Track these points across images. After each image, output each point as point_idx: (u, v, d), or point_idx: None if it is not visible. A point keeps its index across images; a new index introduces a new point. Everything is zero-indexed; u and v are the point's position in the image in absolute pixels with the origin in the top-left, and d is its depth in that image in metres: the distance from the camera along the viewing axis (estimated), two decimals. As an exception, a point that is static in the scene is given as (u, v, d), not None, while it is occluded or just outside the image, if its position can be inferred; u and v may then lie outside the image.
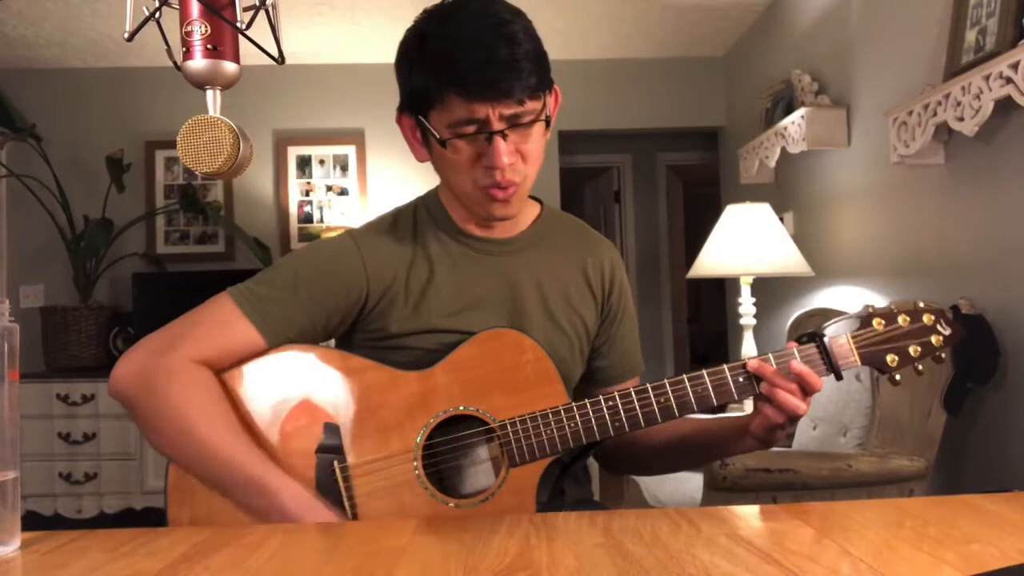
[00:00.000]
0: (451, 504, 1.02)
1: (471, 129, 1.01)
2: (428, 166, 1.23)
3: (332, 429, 1.02)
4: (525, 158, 1.05)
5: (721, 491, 1.81)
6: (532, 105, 1.02)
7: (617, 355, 1.25)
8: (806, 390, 1.01)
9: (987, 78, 1.80)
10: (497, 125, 1.00)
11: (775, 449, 2.28)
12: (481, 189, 1.05)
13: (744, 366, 1.03)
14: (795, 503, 0.93)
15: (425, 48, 1.02)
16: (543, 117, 1.04)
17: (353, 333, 1.14)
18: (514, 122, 1.01)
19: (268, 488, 0.97)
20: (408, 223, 1.16)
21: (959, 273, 2.12)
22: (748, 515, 0.89)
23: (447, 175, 1.09)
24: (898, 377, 1.05)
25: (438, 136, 1.03)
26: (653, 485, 2.29)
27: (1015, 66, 1.72)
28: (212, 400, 1.00)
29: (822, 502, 0.94)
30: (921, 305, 1.07)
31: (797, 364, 1.01)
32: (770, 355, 1.03)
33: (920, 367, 1.05)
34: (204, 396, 1.00)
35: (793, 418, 1.01)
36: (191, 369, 1.01)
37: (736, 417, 1.11)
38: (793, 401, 1.00)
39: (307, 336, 1.08)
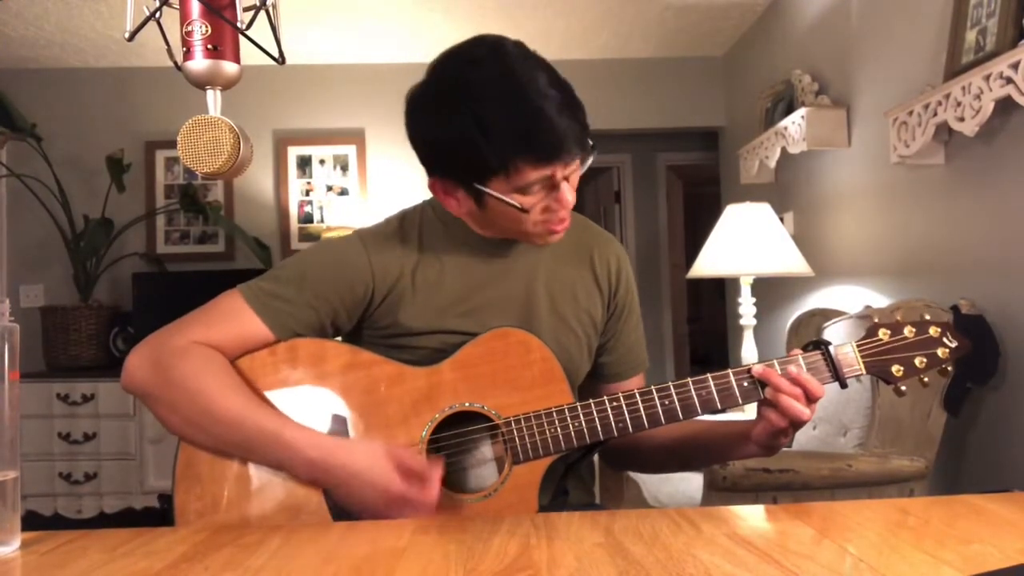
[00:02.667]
0: (454, 498, 1.02)
1: (540, 187, 1.02)
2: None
3: (339, 421, 1.03)
4: (573, 193, 1.06)
5: (721, 491, 1.81)
6: (581, 156, 1.04)
7: (622, 351, 1.26)
8: (809, 396, 1.01)
9: (987, 78, 1.80)
10: (561, 176, 1.03)
11: (775, 449, 2.28)
12: (542, 225, 1.06)
13: (749, 371, 1.03)
14: (795, 503, 0.93)
15: (474, 117, 0.98)
16: (591, 147, 1.05)
17: (361, 331, 1.15)
18: (573, 167, 1.04)
19: (284, 438, 0.97)
20: (415, 224, 1.17)
21: (959, 273, 2.12)
22: (748, 515, 0.89)
23: (504, 226, 1.08)
24: (903, 388, 1.05)
25: (509, 201, 1.01)
26: (653, 485, 2.29)
27: (1015, 66, 1.72)
28: (222, 371, 1.02)
29: (822, 502, 0.94)
30: (928, 317, 1.07)
31: (796, 370, 1.01)
32: (775, 361, 1.04)
33: (926, 379, 1.06)
34: (214, 367, 1.01)
35: (797, 424, 1.01)
36: (199, 348, 1.02)
37: (739, 422, 1.11)
38: (797, 407, 1.00)
39: (314, 332, 1.09)
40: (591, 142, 1.05)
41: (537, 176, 1.01)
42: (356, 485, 0.97)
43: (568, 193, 1.04)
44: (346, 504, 0.99)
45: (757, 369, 1.02)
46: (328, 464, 0.98)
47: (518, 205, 1.02)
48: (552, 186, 1.03)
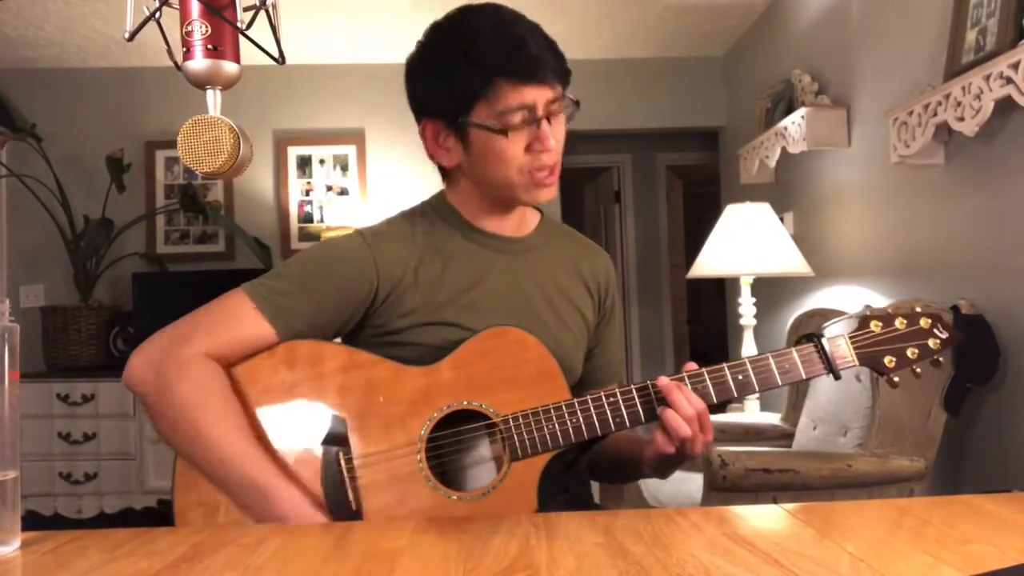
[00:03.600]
0: (453, 497, 1.02)
1: (521, 115, 1.07)
2: (428, 166, 1.24)
3: (338, 421, 1.03)
4: (558, 143, 1.11)
5: (721, 491, 1.81)
6: (561, 92, 1.10)
7: (604, 360, 1.29)
8: (699, 414, 1.01)
9: (987, 78, 1.80)
10: (542, 111, 1.07)
11: (775, 449, 2.28)
12: (529, 174, 1.10)
13: (744, 364, 1.04)
14: (795, 503, 0.93)
15: (461, 48, 1.08)
16: (573, 102, 1.11)
17: (359, 331, 1.15)
18: (554, 108, 1.09)
19: (266, 491, 0.98)
20: (417, 222, 1.18)
21: (959, 273, 2.12)
22: (748, 515, 0.89)
23: (490, 168, 1.11)
24: (896, 379, 1.06)
25: (491, 125, 1.06)
26: (653, 485, 2.29)
27: (1015, 66, 1.72)
28: (220, 398, 1.02)
29: (822, 502, 0.94)
30: (919, 309, 1.09)
31: (663, 380, 1.02)
32: (768, 354, 1.04)
33: (918, 370, 1.07)
34: (212, 394, 1.01)
35: (681, 441, 1.01)
36: (202, 364, 1.02)
37: (644, 441, 1.12)
38: (677, 420, 1.00)
39: (318, 330, 1.09)
40: (576, 102, 1.12)
41: (516, 99, 1.05)
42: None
43: (551, 135, 1.08)
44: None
45: (662, 381, 1.03)
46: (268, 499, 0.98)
47: (498, 127, 1.06)
48: (534, 120, 1.07)
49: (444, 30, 1.12)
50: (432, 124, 1.14)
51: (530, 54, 1.06)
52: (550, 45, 1.09)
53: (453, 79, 1.08)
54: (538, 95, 1.07)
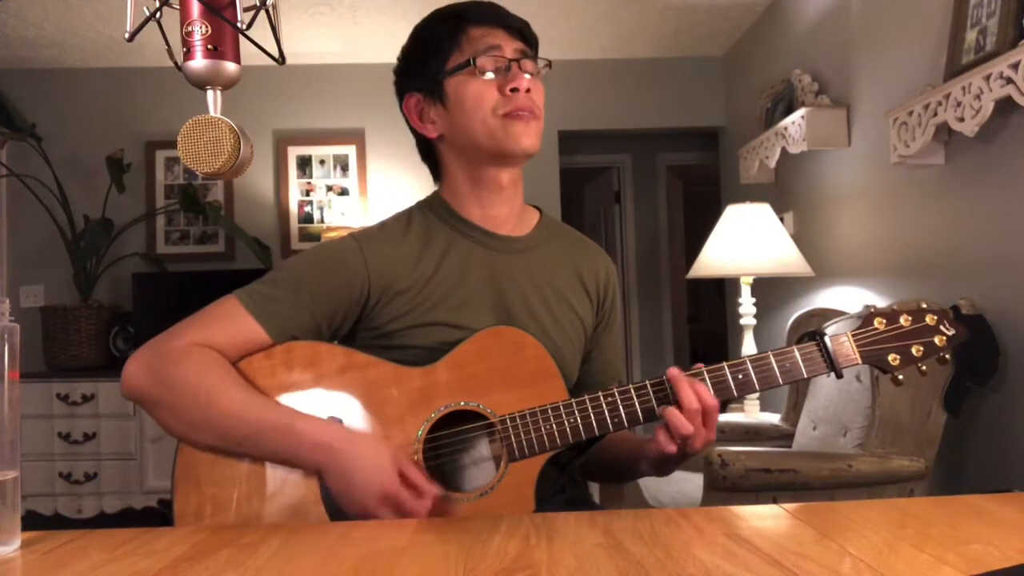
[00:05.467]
0: (451, 496, 1.02)
1: (491, 59, 1.11)
2: (427, 167, 1.24)
3: (336, 422, 1.03)
4: (536, 95, 1.13)
5: (721, 491, 1.81)
6: (530, 51, 1.16)
7: (603, 362, 1.28)
8: (706, 411, 1.00)
9: (987, 78, 1.80)
10: (511, 54, 1.12)
11: (775, 449, 2.28)
12: (504, 117, 1.11)
13: (733, 364, 1.03)
14: (795, 503, 0.93)
15: (434, 14, 1.17)
16: (547, 65, 1.16)
17: (356, 333, 1.15)
18: (527, 64, 1.13)
19: (294, 427, 0.98)
20: (410, 224, 1.18)
21: (959, 273, 2.12)
22: (748, 515, 0.89)
23: (467, 117, 1.12)
24: (901, 377, 1.04)
25: (464, 62, 1.11)
26: (653, 485, 2.29)
27: (1015, 66, 1.72)
28: (222, 368, 1.02)
29: (822, 502, 0.94)
30: (924, 306, 1.06)
31: (674, 370, 1.02)
32: (769, 353, 1.04)
33: (924, 367, 1.04)
34: (212, 367, 1.02)
35: (683, 439, 1.00)
36: (196, 349, 1.03)
37: (642, 439, 1.12)
38: (678, 419, 0.99)
39: (311, 334, 1.09)
40: (548, 63, 1.16)
41: (484, 40, 1.12)
42: (357, 475, 0.97)
43: (523, 77, 1.11)
44: (338, 493, 0.99)
45: (673, 371, 1.02)
46: (334, 449, 0.98)
47: (472, 62, 1.10)
48: (504, 63, 1.12)
49: (423, 19, 1.20)
50: (413, 97, 1.18)
51: (495, 6, 1.16)
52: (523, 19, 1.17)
53: (426, 39, 1.16)
54: (505, 40, 1.13)
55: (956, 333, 1.04)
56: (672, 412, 0.99)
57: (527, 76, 1.12)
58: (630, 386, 1.04)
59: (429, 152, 1.22)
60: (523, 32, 1.16)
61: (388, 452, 0.99)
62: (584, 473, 1.27)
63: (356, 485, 0.97)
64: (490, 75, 1.11)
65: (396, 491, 0.96)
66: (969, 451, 2.09)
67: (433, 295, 1.12)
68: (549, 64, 1.16)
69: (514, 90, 1.11)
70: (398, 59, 1.22)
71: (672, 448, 1.01)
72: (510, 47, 1.13)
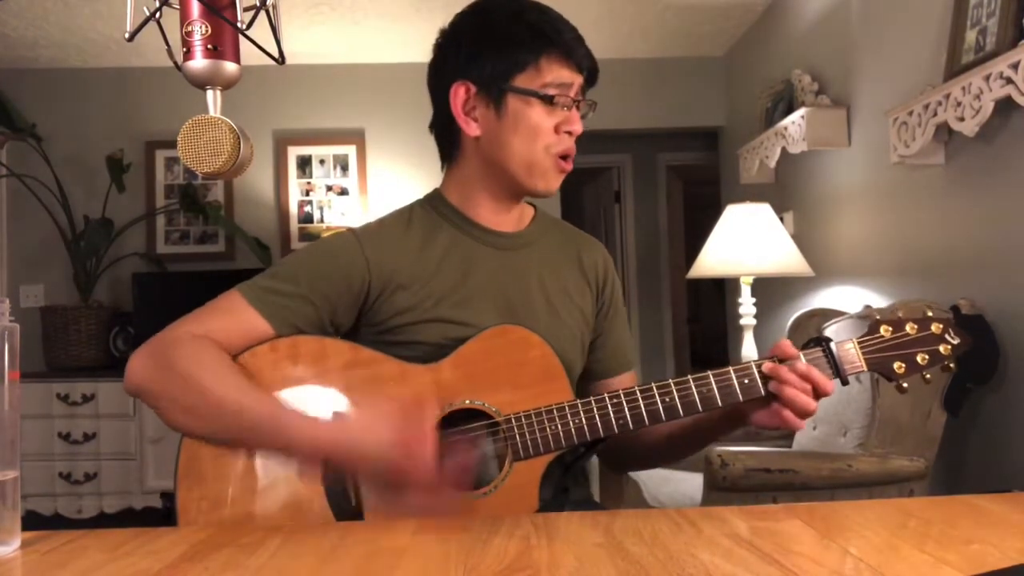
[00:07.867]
0: (454, 495, 1.02)
1: (560, 94, 1.10)
2: (428, 167, 1.24)
3: (340, 418, 1.03)
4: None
5: (721, 491, 1.81)
6: (585, 88, 1.16)
7: (610, 349, 1.27)
8: (818, 392, 1.01)
9: (987, 78, 1.80)
10: (575, 94, 1.13)
11: (775, 449, 2.28)
12: (552, 157, 1.13)
13: (750, 368, 1.03)
14: (795, 503, 0.93)
15: (520, 16, 1.11)
16: (591, 103, 1.17)
17: (360, 328, 1.15)
18: (580, 101, 1.14)
19: (282, 421, 0.98)
20: (410, 219, 1.18)
21: (959, 273, 2.12)
22: (748, 515, 0.89)
23: (517, 140, 1.12)
24: (905, 385, 1.04)
25: (536, 90, 1.09)
26: (653, 485, 2.29)
27: (1015, 66, 1.72)
28: (218, 359, 1.02)
29: (823, 502, 0.94)
30: (930, 314, 1.06)
31: (803, 365, 1.01)
32: (775, 359, 1.03)
33: (928, 376, 1.05)
34: (209, 356, 1.01)
35: (803, 415, 1.01)
36: (195, 338, 1.03)
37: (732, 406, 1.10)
38: (803, 399, 0.99)
39: (313, 326, 1.09)
40: (593, 103, 1.18)
41: (560, 76, 1.10)
42: (363, 434, 0.96)
43: (578, 120, 1.13)
44: (353, 470, 0.99)
45: (768, 365, 1.02)
46: (330, 434, 0.98)
47: (543, 94, 1.09)
48: (569, 101, 1.11)
49: (495, 2, 1.15)
50: (465, 87, 1.13)
51: (576, 38, 1.12)
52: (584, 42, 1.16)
53: (503, 37, 1.11)
54: (575, 79, 1.12)
55: (961, 342, 1.05)
56: (796, 393, 0.99)
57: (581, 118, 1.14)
58: (635, 388, 1.04)
59: (449, 135, 1.19)
60: (591, 72, 1.15)
61: (383, 407, 0.99)
62: (613, 465, 1.29)
63: (368, 442, 0.95)
64: (556, 110, 1.11)
65: (404, 435, 0.94)
66: (969, 451, 2.09)
67: (436, 291, 1.12)
68: (594, 106, 1.17)
69: (569, 133, 1.12)
70: (450, 36, 1.16)
71: (800, 425, 1.02)
72: (576, 84, 1.13)
